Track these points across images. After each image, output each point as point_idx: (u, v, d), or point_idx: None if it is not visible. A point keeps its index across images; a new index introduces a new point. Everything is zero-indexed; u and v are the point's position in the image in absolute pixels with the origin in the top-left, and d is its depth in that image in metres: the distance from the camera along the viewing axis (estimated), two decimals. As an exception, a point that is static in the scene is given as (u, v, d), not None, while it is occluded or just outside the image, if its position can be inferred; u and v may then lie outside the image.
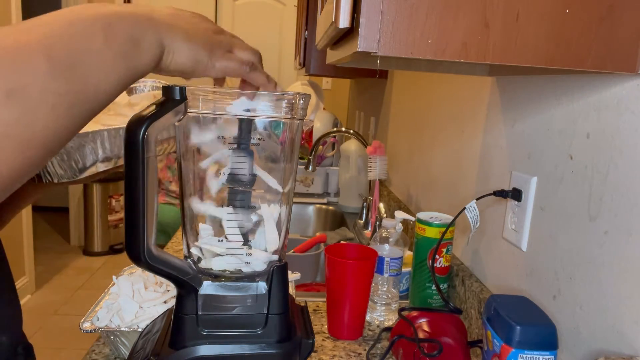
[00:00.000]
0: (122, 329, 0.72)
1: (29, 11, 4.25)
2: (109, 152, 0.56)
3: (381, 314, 0.95)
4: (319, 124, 2.21)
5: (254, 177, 0.52)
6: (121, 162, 0.57)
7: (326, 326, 0.90)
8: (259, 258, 0.52)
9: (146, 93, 0.81)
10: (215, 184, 0.51)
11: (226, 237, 0.51)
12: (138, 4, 0.47)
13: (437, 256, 0.93)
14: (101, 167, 0.56)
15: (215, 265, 0.52)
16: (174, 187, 2.50)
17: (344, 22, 0.50)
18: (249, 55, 0.53)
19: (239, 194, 0.52)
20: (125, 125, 0.45)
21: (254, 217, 0.53)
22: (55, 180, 0.53)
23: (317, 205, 1.93)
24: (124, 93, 0.77)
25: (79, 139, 0.53)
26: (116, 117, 0.64)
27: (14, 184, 0.35)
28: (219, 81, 0.55)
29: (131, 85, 0.73)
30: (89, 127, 0.56)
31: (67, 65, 0.36)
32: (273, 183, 0.52)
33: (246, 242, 0.52)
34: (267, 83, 0.55)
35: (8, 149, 0.33)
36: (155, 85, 0.82)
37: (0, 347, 0.54)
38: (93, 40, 0.39)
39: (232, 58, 0.51)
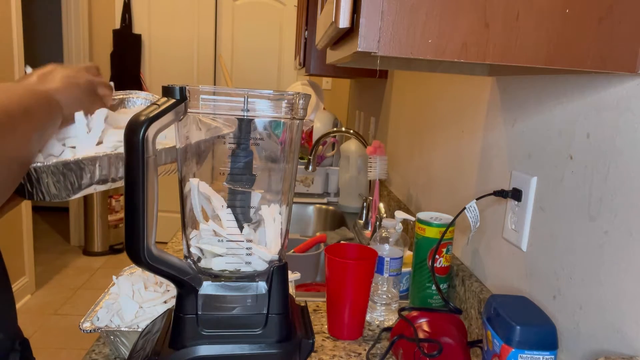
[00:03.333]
0: (122, 329, 0.72)
1: (29, 11, 4.22)
2: (106, 175, 0.57)
3: (381, 314, 0.95)
4: (319, 124, 2.21)
5: (253, 177, 0.52)
6: (117, 184, 0.59)
7: (326, 326, 0.90)
8: (259, 258, 0.52)
9: (137, 107, 0.81)
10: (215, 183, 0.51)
11: (226, 237, 0.51)
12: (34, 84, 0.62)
13: (437, 256, 0.93)
14: (96, 188, 0.57)
15: (215, 265, 0.52)
16: None
17: (344, 22, 0.50)
18: (106, 91, 0.69)
19: (239, 194, 0.52)
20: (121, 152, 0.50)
21: (254, 217, 0.53)
22: (48, 199, 0.54)
23: (317, 205, 1.93)
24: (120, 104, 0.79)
25: (79, 163, 0.54)
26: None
27: None
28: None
29: (122, 97, 0.77)
30: (93, 151, 0.57)
31: None
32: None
33: (246, 242, 0.52)
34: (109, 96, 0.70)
35: None
36: (149, 99, 0.82)
37: None
38: (31, 102, 0.53)
39: (100, 102, 0.67)
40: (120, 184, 0.58)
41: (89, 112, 0.62)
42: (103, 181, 0.57)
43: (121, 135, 0.62)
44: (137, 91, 0.82)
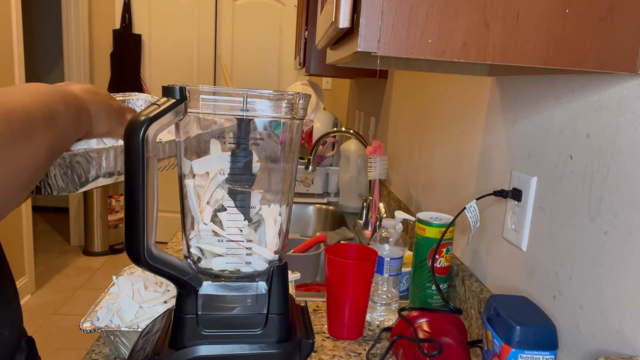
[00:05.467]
0: (122, 329, 0.72)
1: (29, 11, 4.23)
2: (112, 167, 0.56)
3: (381, 314, 0.95)
4: (319, 124, 2.21)
5: (253, 177, 0.52)
6: (122, 178, 0.58)
7: (326, 326, 0.90)
8: (260, 258, 0.52)
9: (137, 109, 0.81)
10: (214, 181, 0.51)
11: (226, 237, 0.51)
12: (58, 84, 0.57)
13: (437, 256, 0.93)
14: (103, 181, 0.56)
15: (215, 265, 0.52)
16: None
17: (344, 22, 0.50)
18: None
19: (238, 194, 0.52)
20: None
21: (254, 217, 0.53)
22: (55, 193, 0.53)
23: (317, 205, 1.93)
24: None
25: (86, 155, 0.54)
26: None
27: None
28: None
29: (122, 99, 0.77)
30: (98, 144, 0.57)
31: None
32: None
33: (246, 242, 0.52)
34: None
35: None
36: (149, 101, 0.82)
37: (3, 341, 0.55)
38: (58, 105, 0.49)
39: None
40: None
41: (114, 135, 0.60)
42: (110, 174, 0.57)
43: None
44: (137, 93, 0.82)
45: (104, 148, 0.56)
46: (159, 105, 0.45)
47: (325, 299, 0.90)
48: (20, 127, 0.42)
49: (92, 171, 0.55)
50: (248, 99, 0.49)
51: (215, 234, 0.51)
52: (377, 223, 1.43)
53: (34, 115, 0.44)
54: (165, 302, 0.76)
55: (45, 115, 0.46)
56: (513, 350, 0.56)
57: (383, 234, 0.97)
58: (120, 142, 0.59)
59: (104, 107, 0.58)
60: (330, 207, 1.91)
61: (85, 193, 3.72)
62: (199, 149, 0.52)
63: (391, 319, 0.94)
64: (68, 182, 0.53)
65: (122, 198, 3.67)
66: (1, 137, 0.40)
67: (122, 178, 0.58)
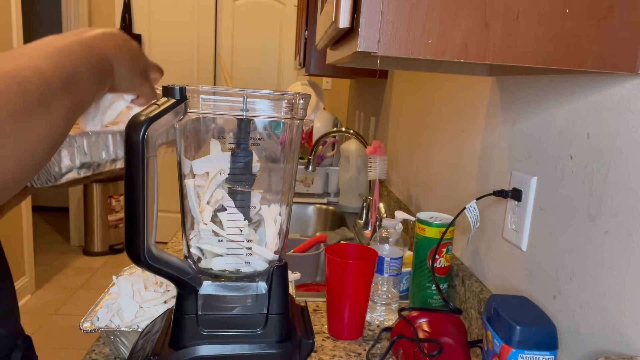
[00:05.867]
0: (122, 329, 0.72)
1: (29, 11, 4.23)
2: (88, 158, 0.52)
3: (381, 314, 0.95)
4: (319, 124, 2.21)
5: (253, 177, 0.52)
6: (101, 168, 0.54)
7: (326, 326, 0.90)
8: (259, 258, 0.52)
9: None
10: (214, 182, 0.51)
11: (226, 237, 0.51)
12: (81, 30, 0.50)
13: (437, 256, 0.93)
14: (80, 172, 0.52)
15: (216, 265, 0.52)
16: None
17: (344, 22, 0.50)
18: (157, 75, 0.61)
19: (238, 194, 0.52)
20: (103, 130, 0.48)
21: (254, 217, 0.53)
22: (29, 185, 0.49)
23: (317, 205, 1.93)
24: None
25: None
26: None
27: None
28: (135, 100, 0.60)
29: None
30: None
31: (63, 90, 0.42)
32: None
33: (246, 242, 0.52)
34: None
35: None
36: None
37: (0, 339, 0.55)
38: (79, 65, 0.44)
39: (149, 84, 0.59)
40: (109, 167, 0.54)
41: (134, 92, 0.56)
42: (86, 164, 0.52)
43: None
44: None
45: (71, 135, 0.51)
46: (159, 105, 0.45)
47: (325, 299, 0.90)
48: (36, 97, 0.39)
49: (65, 160, 0.50)
50: (248, 99, 0.49)
51: (215, 234, 0.51)
52: (377, 223, 1.43)
53: (52, 82, 0.40)
54: (165, 302, 0.76)
55: (64, 80, 0.41)
56: (513, 350, 0.56)
57: (383, 234, 0.97)
58: (96, 129, 0.55)
59: (129, 65, 0.53)
60: (330, 207, 1.91)
61: (85, 193, 3.73)
62: (199, 149, 0.52)
63: (391, 319, 0.94)
64: (39, 174, 0.49)
65: (122, 198, 3.66)
66: (15, 111, 0.37)
67: (101, 169, 0.54)
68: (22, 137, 0.38)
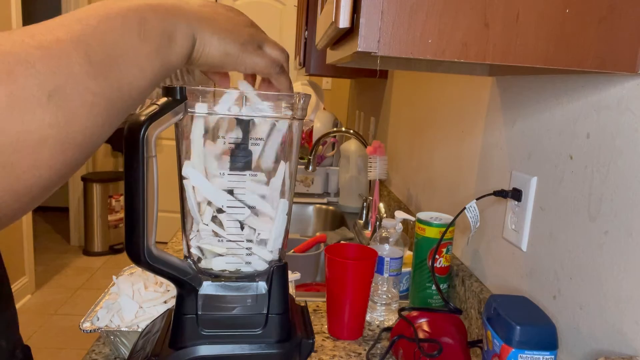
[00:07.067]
0: (122, 329, 0.72)
1: (29, 11, 4.24)
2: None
3: (381, 314, 0.95)
4: (319, 124, 2.21)
5: (249, 155, 0.52)
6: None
7: (326, 326, 0.90)
8: (259, 258, 0.52)
9: None
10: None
11: (226, 237, 0.51)
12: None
13: (437, 256, 0.93)
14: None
15: (216, 265, 0.52)
16: None
17: (344, 22, 0.50)
18: (279, 55, 0.50)
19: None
20: None
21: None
22: None
23: (317, 205, 1.93)
24: None
25: None
26: None
27: (53, 186, 0.34)
28: (249, 77, 0.54)
29: None
30: None
31: (104, 63, 0.35)
32: (267, 209, 0.51)
33: (246, 242, 0.52)
34: (288, 89, 0.52)
35: (47, 151, 0.32)
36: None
37: (0, 351, 0.54)
38: (128, 36, 0.37)
39: (264, 55, 0.49)
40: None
41: (237, 67, 0.48)
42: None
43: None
44: None
45: None
46: (159, 105, 0.45)
47: (325, 299, 0.90)
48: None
49: None
50: (248, 99, 0.49)
51: (215, 234, 0.51)
52: (377, 223, 1.43)
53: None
54: (165, 302, 0.76)
55: (102, 60, 0.35)
56: (513, 350, 0.56)
57: (383, 234, 0.97)
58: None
59: (219, 26, 0.44)
60: (330, 207, 1.91)
61: (85, 193, 3.73)
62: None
63: (391, 319, 0.94)
64: None
65: (122, 198, 3.67)
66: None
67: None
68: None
